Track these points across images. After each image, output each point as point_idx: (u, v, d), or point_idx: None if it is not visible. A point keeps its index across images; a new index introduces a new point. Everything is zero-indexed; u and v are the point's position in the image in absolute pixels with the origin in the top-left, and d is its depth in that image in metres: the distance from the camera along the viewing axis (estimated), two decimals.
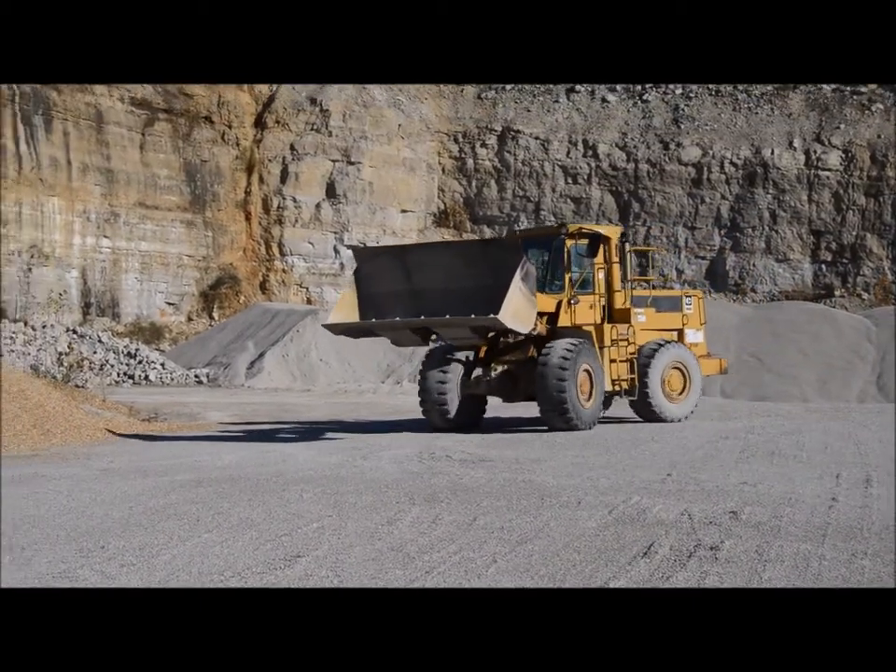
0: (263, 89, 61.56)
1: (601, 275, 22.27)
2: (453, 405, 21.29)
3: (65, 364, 35.10)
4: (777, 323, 38.63)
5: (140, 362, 42.88)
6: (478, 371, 21.62)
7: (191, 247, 57.37)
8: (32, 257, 50.69)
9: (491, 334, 20.06)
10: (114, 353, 43.59)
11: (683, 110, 60.71)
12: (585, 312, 21.76)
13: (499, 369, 21.78)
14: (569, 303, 21.42)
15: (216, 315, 57.13)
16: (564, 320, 21.42)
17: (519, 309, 18.88)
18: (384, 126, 60.95)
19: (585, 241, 22.31)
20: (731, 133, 59.07)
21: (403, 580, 7.96)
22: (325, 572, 8.23)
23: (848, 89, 58.94)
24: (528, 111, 62.68)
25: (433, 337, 20.34)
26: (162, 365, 43.00)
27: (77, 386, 29.44)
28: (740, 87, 60.87)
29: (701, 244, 57.92)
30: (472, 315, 18.62)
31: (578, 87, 62.98)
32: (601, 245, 22.32)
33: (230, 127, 59.13)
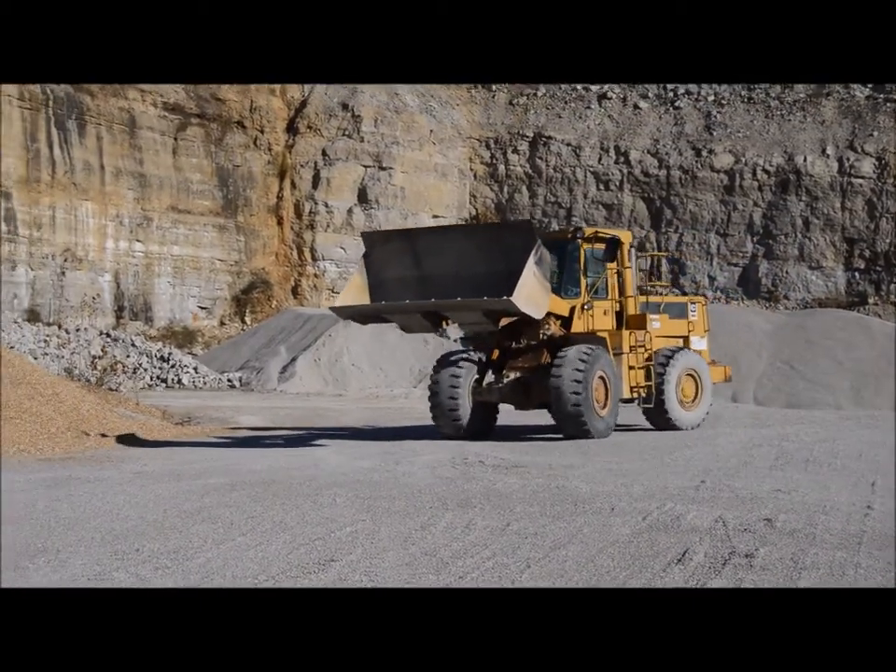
0: (295, 94, 61.75)
1: (614, 280, 21.90)
2: (464, 413, 20.75)
3: (99, 367, 35.25)
4: (809, 330, 38.45)
5: (173, 366, 42.99)
6: (490, 378, 21.13)
7: (224, 252, 57.57)
8: (65, 260, 50.97)
9: (504, 322, 19.51)
10: (147, 357, 43.73)
11: (715, 117, 60.55)
12: (600, 317, 21.38)
13: (511, 376, 20.95)
14: (583, 309, 20.97)
15: (248, 319, 57.28)
16: (578, 326, 20.94)
17: (533, 293, 18.39)
18: (415, 132, 61.04)
19: (602, 245, 21.88)
20: (763, 140, 58.87)
21: (437, 584, 7.95)
22: (358, 576, 8.22)
23: (882, 96, 58.68)
24: (560, 117, 62.64)
25: (443, 325, 20.10)
26: (195, 369, 43.10)
27: (110, 390, 29.58)
28: (773, 94, 60.70)
29: (733, 251, 57.74)
30: (485, 298, 18.24)
31: (609, 93, 62.91)
32: (618, 250, 21.96)
33: (262, 132, 59.32)
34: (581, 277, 21.38)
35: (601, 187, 60.54)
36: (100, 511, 11.54)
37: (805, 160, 57.20)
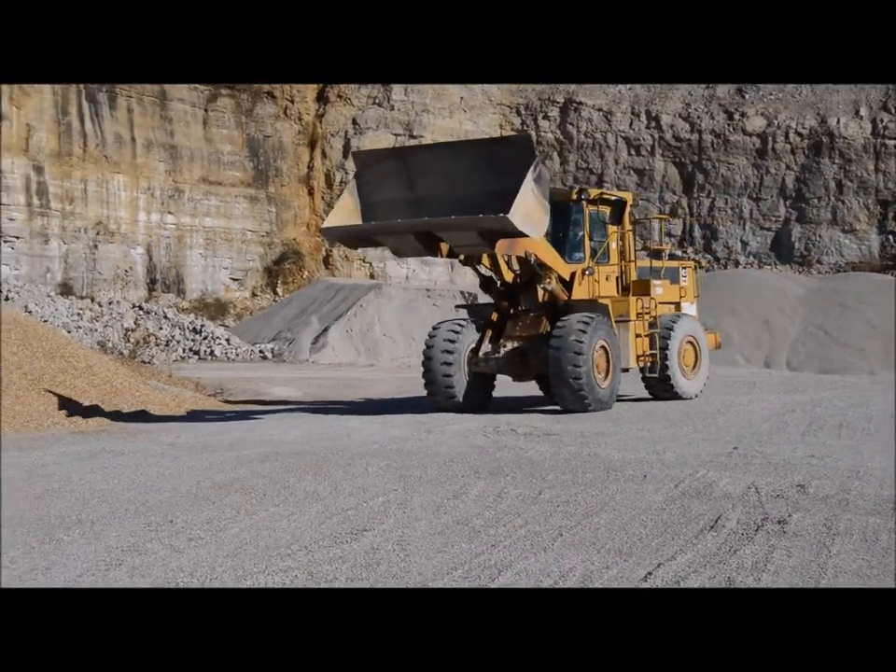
0: None
1: (614, 245, 21.12)
2: (459, 385, 19.76)
3: (132, 340, 35.49)
4: (843, 295, 38.31)
5: (205, 338, 43.19)
6: (487, 348, 19.96)
7: (255, 223, 57.67)
8: (98, 234, 51.19)
9: (505, 259, 19.01)
10: (179, 329, 43.95)
11: None
12: (603, 283, 20.59)
13: (509, 345, 19.84)
14: (584, 274, 20.10)
15: (280, 290, 57.40)
16: (579, 292, 20.04)
17: (530, 210, 17.13)
18: (445, 99, 60.91)
19: (606, 207, 20.95)
20: (796, 102, 58.45)
21: (469, 553, 7.97)
22: (391, 546, 8.25)
23: None
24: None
25: (438, 249, 18.39)
26: (227, 341, 43.28)
27: (143, 362, 29.77)
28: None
29: (766, 215, 57.45)
30: (480, 215, 17.07)
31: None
32: (623, 212, 21.15)
33: (292, 102, 59.31)
34: (586, 240, 20.54)
35: (632, 152, 60.30)
36: (133, 483, 11.61)
37: (838, 122, 56.79)
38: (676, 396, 21.28)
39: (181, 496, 10.74)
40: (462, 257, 19.19)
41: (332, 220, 18.54)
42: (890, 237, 55.30)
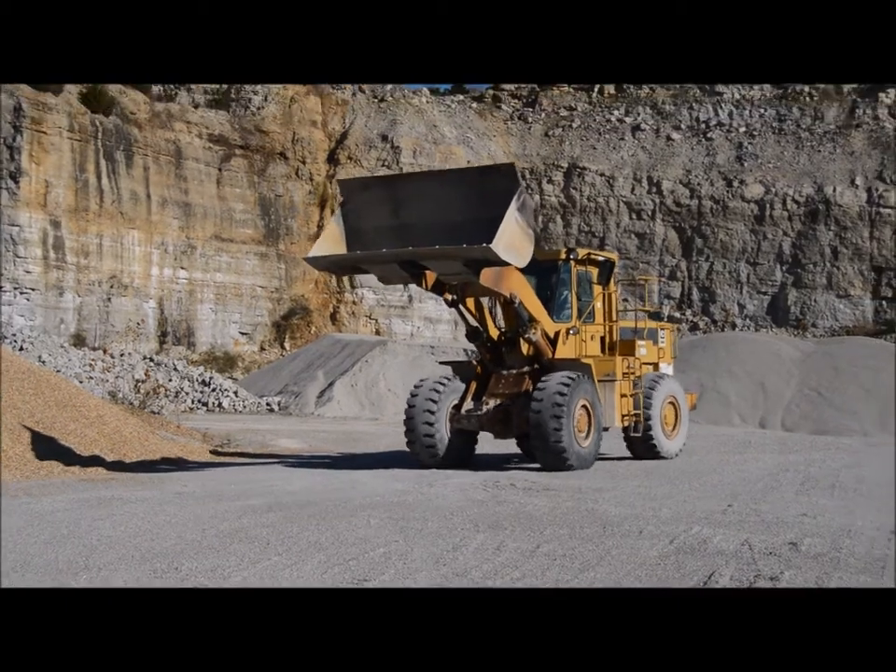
0: (336, 126, 62.08)
1: (599, 305, 20.67)
2: (441, 441, 19.27)
3: (142, 391, 35.43)
4: (837, 358, 38.25)
5: (214, 390, 43.19)
6: (469, 405, 19.45)
7: (265, 279, 57.89)
8: (111, 287, 51.38)
9: (494, 285, 18.08)
10: (189, 381, 43.95)
11: (747, 148, 60.51)
12: (588, 342, 20.19)
13: (492, 403, 19.30)
14: (568, 333, 19.67)
15: (287, 344, 57.50)
16: (564, 351, 19.58)
17: (514, 240, 16.74)
18: (453, 162, 61.26)
19: (595, 267, 20.64)
20: (793, 170, 58.78)
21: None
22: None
23: None
24: (594, 148, 62.74)
25: (424, 279, 17.90)
26: (235, 393, 43.29)
27: (152, 413, 29.72)
28: (803, 125, 60.63)
29: (763, 279, 57.61)
30: (464, 245, 16.58)
31: (643, 124, 62.93)
32: (611, 273, 20.87)
33: (303, 163, 59.68)
34: (573, 300, 20.14)
35: (633, 216, 60.57)
36: (140, 531, 11.58)
37: (834, 190, 57.07)
38: (657, 455, 20.86)
39: (186, 543, 10.71)
40: (449, 297, 18.65)
41: (318, 249, 18.14)
42: (884, 302, 55.40)
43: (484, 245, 16.21)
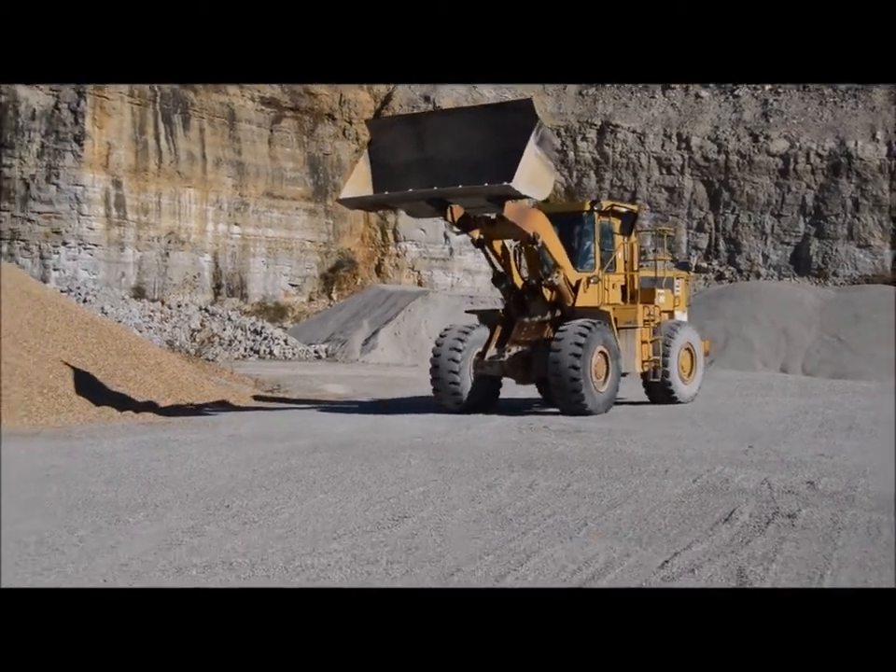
0: (381, 88, 61.83)
1: (620, 255, 20.48)
2: (465, 386, 19.16)
3: (198, 340, 35.65)
4: (857, 305, 37.99)
5: (265, 338, 43.35)
6: (492, 352, 19.33)
7: (313, 234, 57.91)
8: (169, 242, 51.58)
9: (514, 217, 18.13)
10: (241, 330, 44.14)
11: (772, 105, 59.84)
12: (610, 291, 20.00)
13: (514, 349, 19.18)
14: (589, 282, 19.45)
15: (334, 295, 57.59)
16: (585, 299, 19.39)
17: (535, 175, 16.73)
18: None
19: (617, 219, 20.47)
20: (817, 126, 58.10)
21: (501, 538, 7.98)
22: (429, 532, 8.27)
23: None
24: (626, 106, 62.23)
25: (449, 212, 17.73)
26: (285, 341, 43.42)
27: (207, 360, 29.91)
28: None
29: (787, 230, 57.12)
30: (486, 184, 16.68)
31: (673, 84, 62.38)
32: (633, 224, 20.66)
33: (350, 123, 59.50)
34: (597, 250, 19.95)
35: (664, 171, 60.10)
36: (195, 471, 11.69)
37: (856, 144, 56.42)
38: (674, 400, 20.76)
39: (238, 482, 10.80)
40: (476, 235, 18.67)
41: (349, 191, 18.13)
42: None
43: (505, 183, 16.22)
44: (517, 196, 16.98)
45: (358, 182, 18.03)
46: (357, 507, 9.37)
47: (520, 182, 16.26)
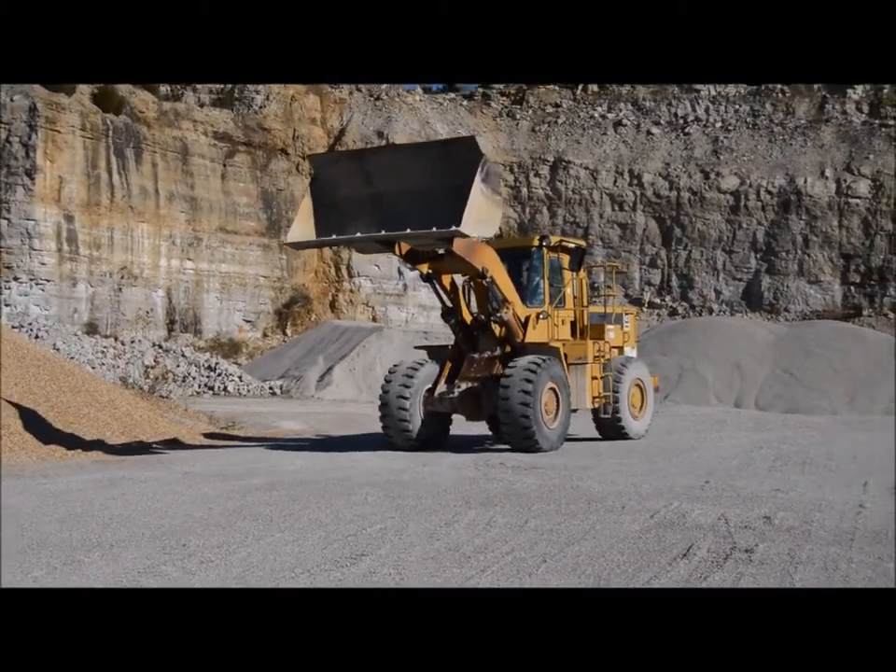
0: (335, 123, 61.94)
1: (569, 290, 20.37)
2: (415, 424, 18.91)
3: (151, 376, 35.43)
4: (808, 341, 38.28)
5: (219, 375, 43.13)
6: (442, 388, 19.07)
7: (267, 269, 57.80)
8: (122, 277, 51.29)
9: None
10: (195, 366, 43.89)
11: (722, 142, 60.45)
12: (559, 327, 19.87)
13: (463, 386, 18.94)
14: (538, 318, 19.29)
15: (289, 331, 57.44)
16: (534, 335, 19.21)
17: (482, 213, 16.47)
18: None
19: (566, 254, 20.31)
20: (767, 163, 58.75)
21: (460, 577, 7.94)
22: (387, 570, 8.22)
23: (877, 121, 58.53)
24: (578, 143, 62.65)
25: (397, 249, 17.80)
26: (240, 377, 43.23)
27: (161, 397, 29.70)
28: (776, 120, 60.61)
29: (738, 266, 57.62)
30: (434, 229, 16.47)
31: (624, 120, 62.89)
32: (581, 259, 20.47)
33: (303, 158, 59.54)
34: (545, 286, 19.87)
35: (616, 207, 60.50)
36: (150, 509, 11.58)
37: (805, 181, 57.06)
38: (624, 436, 20.65)
39: (194, 521, 10.71)
40: (425, 270, 18.57)
41: (295, 233, 17.83)
42: (852, 287, 55.45)
43: (453, 227, 16.11)
44: (467, 237, 16.91)
45: (304, 223, 17.73)
46: (315, 545, 9.31)
47: (468, 225, 16.13)
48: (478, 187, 16.28)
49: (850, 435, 22.33)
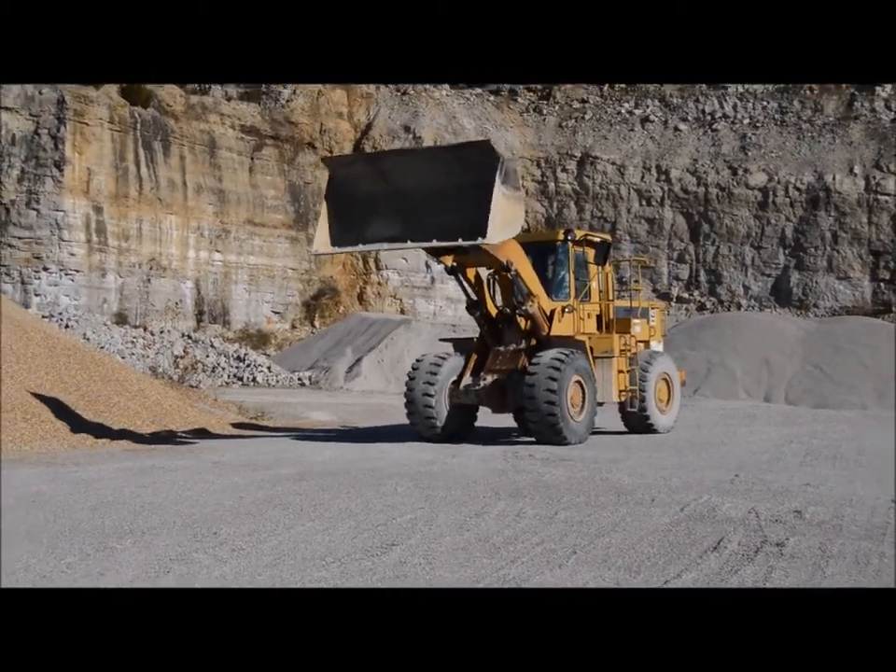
0: (361, 117, 61.92)
1: (595, 284, 20.44)
2: (440, 415, 18.95)
3: (181, 366, 35.55)
4: (837, 336, 38.11)
5: (248, 365, 43.23)
6: (468, 380, 19.09)
7: (295, 261, 57.85)
8: (151, 269, 51.45)
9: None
10: (224, 357, 44.01)
11: (750, 138, 60.18)
12: (585, 320, 19.86)
13: (489, 378, 18.95)
14: (563, 311, 19.30)
15: (317, 323, 57.51)
16: (559, 329, 19.22)
17: (506, 215, 16.58)
18: None
19: (591, 248, 20.37)
20: (795, 160, 58.46)
21: (490, 567, 7.94)
22: (418, 560, 8.23)
23: None
24: (606, 138, 62.48)
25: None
26: (268, 368, 43.31)
27: (191, 387, 29.78)
28: (804, 117, 60.29)
29: (767, 262, 57.37)
30: (460, 240, 16.61)
31: (652, 116, 62.67)
32: (607, 253, 20.62)
33: (331, 152, 59.55)
34: (571, 279, 19.82)
35: (643, 203, 60.32)
36: (181, 498, 11.61)
37: (834, 178, 56.76)
38: (651, 430, 20.64)
39: (225, 510, 10.74)
40: (449, 263, 18.48)
41: (320, 241, 17.86)
42: (881, 284, 55.14)
43: (480, 239, 16.18)
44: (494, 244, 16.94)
45: (327, 230, 17.72)
46: (345, 534, 9.32)
47: (494, 232, 16.19)
48: (499, 190, 16.24)
49: (880, 430, 22.20)
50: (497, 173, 16.20)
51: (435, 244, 17.01)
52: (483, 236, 16.06)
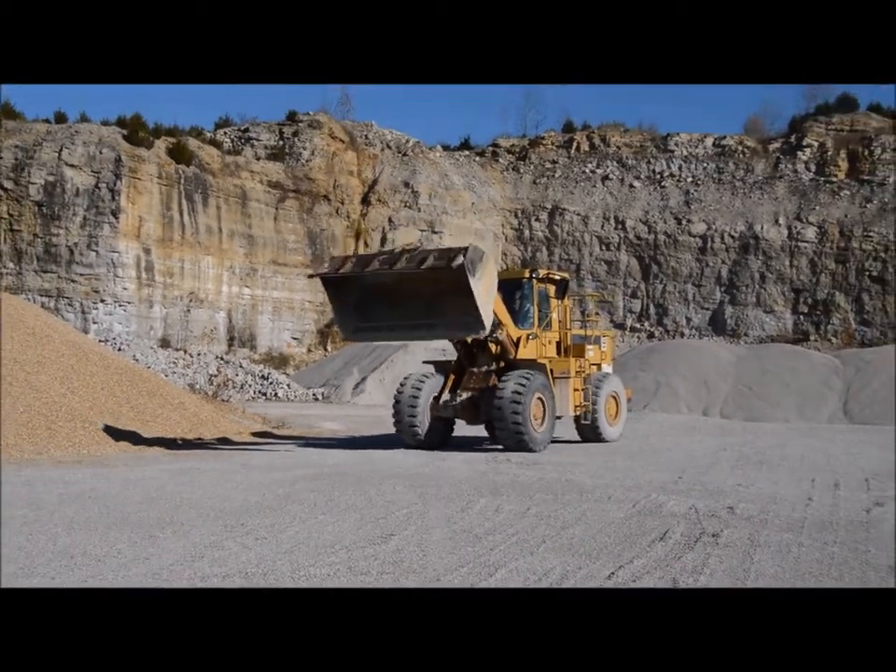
0: (368, 174, 61.99)
1: (555, 315, 20.29)
2: (422, 426, 19.02)
3: (214, 383, 35.41)
4: (764, 360, 38.15)
5: (271, 383, 43.09)
6: (446, 397, 19.16)
7: (311, 295, 57.73)
8: (190, 301, 51.35)
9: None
10: (251, 375, 43.87)
11: (693, 194, 60.41)
12: (546, 346, 19.82)
13: (464, 395, 19.02)
14: (528, 338, 19.22)
15: (329, 347, 57.39)
16: (524, 353, 19.19)
17: (486, 294, 16.56)
18: (460, 204, 61.20)
19: (553, 285, 20.37)
20: (730, 212, 58.71)
21: (473, 554, 7.93)
22: (412, 547, 8.22)
23: (822, 178, 58.50)
24: (572, 193, 62.64)
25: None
26: (288, 385, 43.19)
27: (223, 401, 29.71)
28: (737, 177, 60.54)
29: (706, 298, 57.48)
30: (460, 332, 17.32)
31: (611, 175, 62.85)
32: (566, 289, 20.50)
33: (342, 203, 59.66)
34: (535, 311, 19.81)
35: (603, 247, 60.43)
36: (213, 494, 11.59)
37: (762, 228, 57.00)
38: (601, 439, 20.57)
39: (250, 504, 10.72)
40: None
41: (344, 329, 19.00)
42: (801, 316, 55.29)
43: (480, 332, 16.66)
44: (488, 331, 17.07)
45: (344, 320, 18.68)
46: (351, 526, 9.31)
47: (487, 319, 16.47)
48: (475, 286, 16.22)
49: (800, 440, 22.24)
50: (469, 275, 16.10)
51: (440, 332, 17.75)
52: (484, 329, 16.59)
